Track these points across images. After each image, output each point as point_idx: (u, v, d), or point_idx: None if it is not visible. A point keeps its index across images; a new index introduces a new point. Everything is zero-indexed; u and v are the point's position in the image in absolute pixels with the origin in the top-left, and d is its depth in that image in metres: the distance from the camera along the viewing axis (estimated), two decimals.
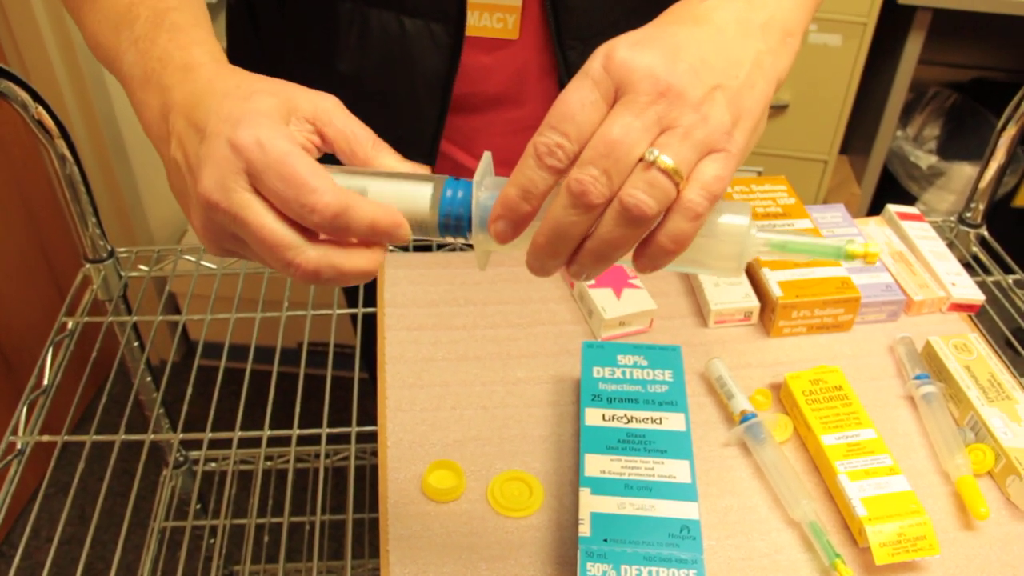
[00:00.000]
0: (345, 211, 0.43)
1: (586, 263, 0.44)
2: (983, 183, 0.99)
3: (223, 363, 0.84)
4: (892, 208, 0.95)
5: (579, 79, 0.43)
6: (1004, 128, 0.95)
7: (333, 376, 0.81)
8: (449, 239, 0.47)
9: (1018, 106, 0.93)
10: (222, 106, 0.45)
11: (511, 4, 0.78)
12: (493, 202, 0.45)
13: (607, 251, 0.43)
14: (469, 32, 0.79)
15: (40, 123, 0.82)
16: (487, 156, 0.48)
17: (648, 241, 0.43)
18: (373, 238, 0.45)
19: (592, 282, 0.79)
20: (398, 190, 0.46)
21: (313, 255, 0.44)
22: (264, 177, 0.43)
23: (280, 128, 0.45)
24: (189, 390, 0.82)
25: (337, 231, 0.44)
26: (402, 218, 0.45)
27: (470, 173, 0.49)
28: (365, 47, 0.80)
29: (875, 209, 2.24)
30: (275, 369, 0.82)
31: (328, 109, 0.47)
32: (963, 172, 2.23)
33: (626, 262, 0.45)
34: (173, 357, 0.90)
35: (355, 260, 0.45)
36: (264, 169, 0.43)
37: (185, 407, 0.82)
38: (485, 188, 0.46)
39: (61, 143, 0.85)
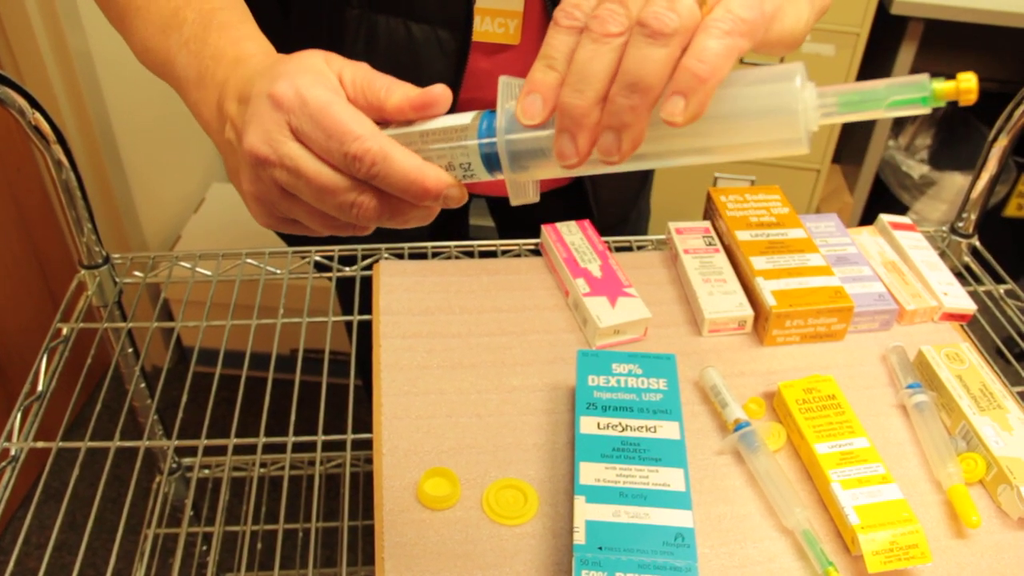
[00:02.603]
0: (385, 158, 0.43)
1: (617, 110, 0.41)
2: (975, 193, 1.00)
3: (218, 369, 0.84)
4: (885, 218, 0.96)
5: None
6: (995, 139, 0.96)
7: (328, 383, 0.81)
8: (499, 175, 0.46)
9: (1009, 117, 0.94)
10: (265, 74, 0.46)
11: (513, 9, 0.79)
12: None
13: (636, 83, 0.40)
14: (474, 37, 0.79)
15: (37, 129, 0.82)
16: (503, 80, 0.47)
17: (678, 70, 0.41)
18: (412, 193, 0.44)
19: (588, 290, 0.79)
20: (439, 133, 0.46)
21: (372, 192, 0.44)
22: (306, 127, 0.43)
23: (320, 78, 0.45)
24: (184, 396, 0.82)
25: (376, 179, 0.43)
26: (443, 175, 0.44)
27: None
28: (372, 53, 0.80)
29: (867, 218, 2.25)
30: (270, 376, 0.82)
31: (352, 67, 0.48)
32: (954, 182, 2.24)
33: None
34: (168, 363, 0.90)
35: None
36: (305, 119, 0.43)
37: (180, 414, 0.82)
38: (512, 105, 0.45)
39: (58, 149, 0.85)
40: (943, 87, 0.39)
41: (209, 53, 0.52)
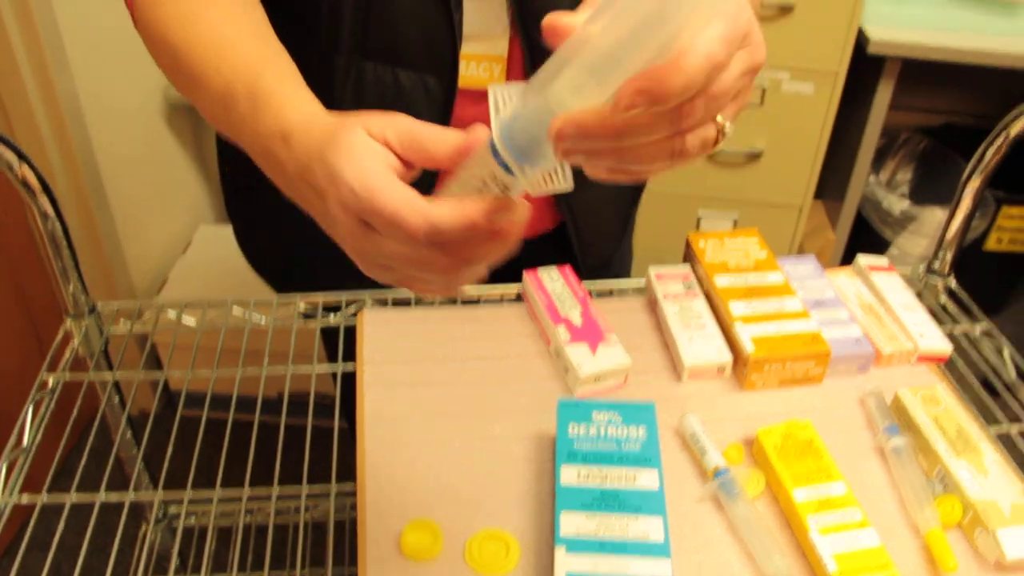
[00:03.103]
0: (432, 224, 0.45)
1: (612, 159, 0.45)
2: (949, 233, 1.01)
3: (205, 414, 0.85)
4: (862, 260, 0.97)
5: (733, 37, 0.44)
6: (968, 179, 0.98)
7: (314, 426, 0.81)
8: (520, 177, 0.48)
9: (981, 158, 0.96)
10: (323, 166, 0.50)
11: (498, 54, 0.81)
12: (520, 114, 0.45)
13: (633, 160, 0.45)
14: (460, 83, 0.81)
15: (24, 182, 0.83)
16: (492, 89, 0.50)
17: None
18: (475, 237, 0.46)
19: (569, 338, 0.81)
20: (473, 160, 0.48)
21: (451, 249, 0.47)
22: (367, 219, 0.47)
23: (367, 165, 0.48)
24: (171, 441, 0.83)
25: (435, 243, 0.46)
26: (481, 206, 0.46)
27: None
28: (360, 99, 0.82)
29: (850, 254, 2.27)
30: (256, 420, 0.83)
31: (392, 125, 0.51)
32: (935, 217, 2.27)
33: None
34: (155, 408, 0.91)
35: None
36: (364, 212, 0.47)
37: (166, 464, 0.82)
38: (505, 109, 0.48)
39: (44, 200, 0.86)
40: None
41: (262, 131, 0.57)
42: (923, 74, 2.01)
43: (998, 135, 0.92)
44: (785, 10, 1.88)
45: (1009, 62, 1.93)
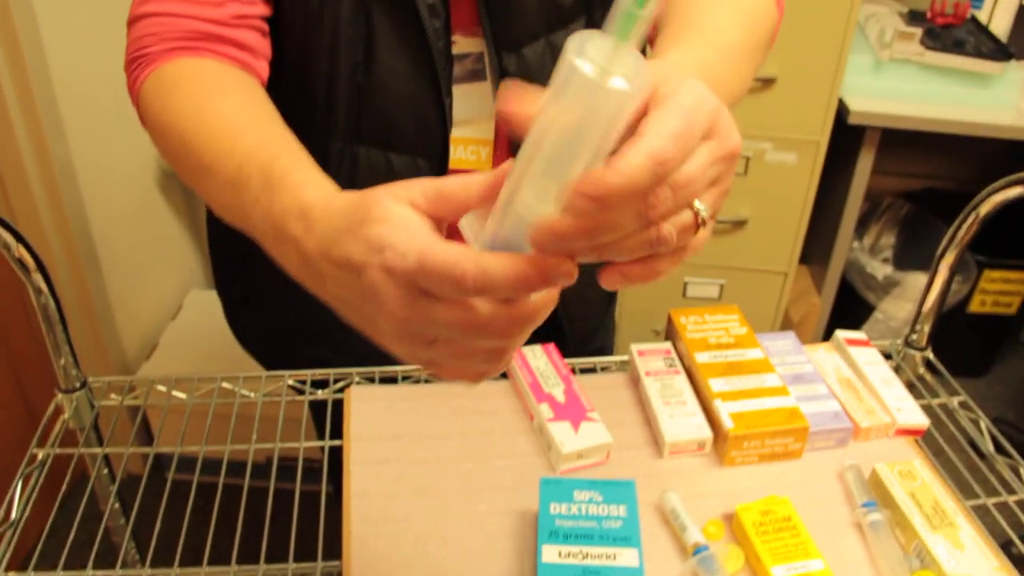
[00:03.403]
0: (483, 271, 0.44)
1: (595, 255, 0.47)
2: (926, 307, 1.04)
3: (195, 478, 0.86)
4: (840, 335, 1.00)
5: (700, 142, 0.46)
6: (942, 255, 1.01)
7: (302, 491, 0.83)
8: None
9: (954, 235, 0.99)
10: (356, 240, 0.48)
11: (485, 137, 0.84)
12: (498, 233, 0.47)
13: (616, 252, 0.47)
14: (450, 165, 0.84)
15: (20, 261, 0.85)
16: (463, 223, 0.50)
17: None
18: (525, 286, 0.46)
19: (552, 416, 0.82)
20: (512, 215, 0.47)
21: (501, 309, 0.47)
22: (419, 281, 0.46)
23: (409, 228, 0.47)
24: (161, 511, 0.84)
25: (487, 292, 0.45)
26: (526, 260, 0.45)
27: None
28: (354, 182, 0.84)
29: (836, 318, 2.29)
30: (246, 485, 0.84)
31: (417, 189, 0.49)
32: (918, 282, 2.30)
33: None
34: (146, 472, 0.92)
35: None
36: (415, 276, 0.46)
37: (155, 536, 0.83)
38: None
39: (38, 277, 0.88)
40: None
41: (277, 210, 0.55)
42: (904, 141, 2.06)
43: (969, 214, 0.95)
44: (767, 82, 1.93)
45: (986, 132, 1.98)
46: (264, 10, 0.77)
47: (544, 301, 0.48)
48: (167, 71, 0.71)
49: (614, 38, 0.40)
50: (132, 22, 0.74)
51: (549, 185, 0.44)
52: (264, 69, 0.77)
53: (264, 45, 0.77)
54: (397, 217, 0.47)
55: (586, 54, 0.41)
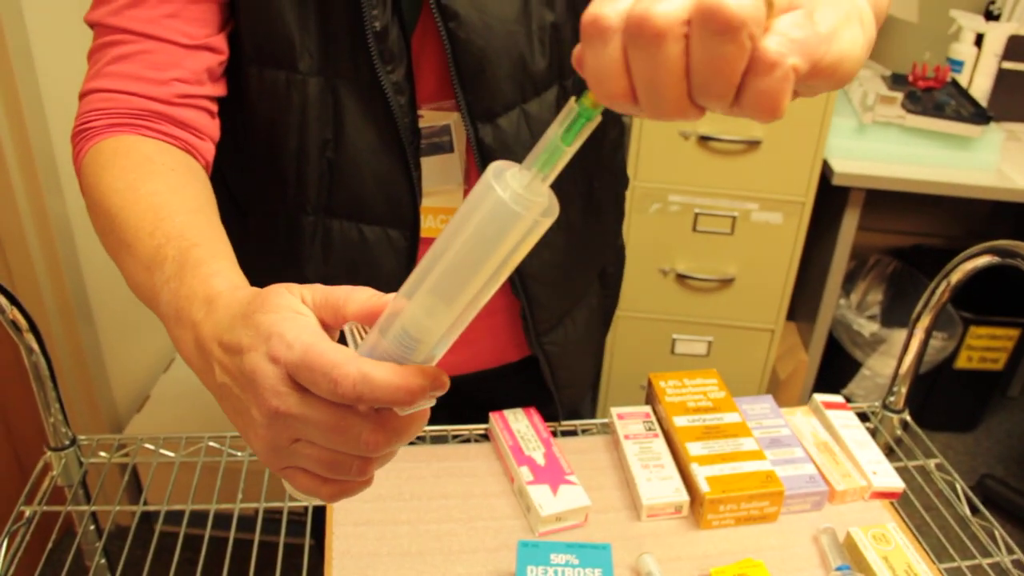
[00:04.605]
0: (364, 377, 0.45)
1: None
2: (902, 370, 1.05)
3: (183, 530, 0.87)
4: (818, 398, 1.01)
5: None
6: (918, 319, 1.03)
7: (286, 543, 0.84)
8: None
9: (928, 301, 1.01)
10: (248, 326, 0.49)
11: (455, 207, 0.87)
12: (379, 345, 0.47)
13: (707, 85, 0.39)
14: (422, 234, 0.86)
15: (13, 323, 0.87)
16: (347, 328, 0.51)
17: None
18: (401, 400, 0.45)
19: (532, 478, 0.84)
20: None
21: (374, 421, 0.47)
22: (302, 374, 0.46)
23: (298, 319, 0.48)
24: (147, 565, 0.85)
25: (364, 399, 0.45)
26: (422, 372, 0.45)
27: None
28: (328, 254, 0.86)
29: (823, 374, 2.31)
30: (231, 536, 0.85)
31: (309, 289, 0.51)
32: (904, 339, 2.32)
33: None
34: (134, 524, 0.93)
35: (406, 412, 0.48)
36: (296, 369, 0.46)
37: None
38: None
39: (30, 336, 0.89)
40: (588, 98, 0.40)
41: (184, 293, 0.56)
42: (890, 199, 2.09)
43: (940, 281, 0.97)
44: (752, 145, 1.97)
45: (967, 192, 2.01)
46: (213, 90, 0.78)
47: (418, 416, 0.48)
48: (106, 146, 0.72)
49: (535, 169, 0.41)
50: (82, 96, 0.76)
51: (437, 304, 0.45)
52: (208, 150, 0.78)
53: (211, 125, 0.78)
54: (289, 309, 0.49)
55: (504, 179, 0.41)
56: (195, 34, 0.75)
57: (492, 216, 0.41)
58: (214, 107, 0.79)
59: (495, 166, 0.42)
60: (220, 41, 0.78)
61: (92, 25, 0.77)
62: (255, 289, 0.53)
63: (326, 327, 0.50)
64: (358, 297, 0.50)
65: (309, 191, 0.84)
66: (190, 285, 0.56)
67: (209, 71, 0.77)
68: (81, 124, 0.74)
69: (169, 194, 0.66)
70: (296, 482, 0.51)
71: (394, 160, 0.83)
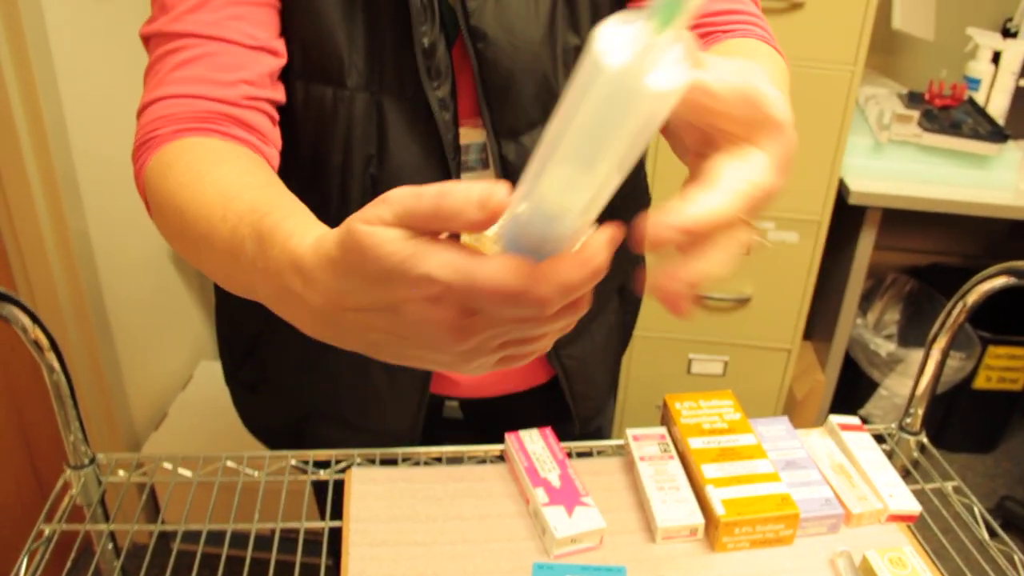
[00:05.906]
0: (560, 285, 0.41)
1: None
2: (919, 392, 1.05)
3: (200, 549, 0.88)
4: (834, 419, 1.01)
5: None
6: (934, 340, 1.03)
7: (302, 563, 0.84)
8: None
9: (944, 322, 1.01)
10: (367, 280, 0.44)
11: None
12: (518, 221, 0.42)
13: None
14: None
15: (36, 342, 0.89)
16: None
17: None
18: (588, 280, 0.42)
19: (547, 500, 0.84)
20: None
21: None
22: (476, 300, 0.42)
23: (438, 253, 0.43)
24: None
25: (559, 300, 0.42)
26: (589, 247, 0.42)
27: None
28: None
29: (840, 394, 2.30)
30: (248, 557, 0.86)
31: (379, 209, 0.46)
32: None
33: None
34: (152, 543, 0.94)
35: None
36: (472, 296, 0.42)
37: None
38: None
39: (51, 355, 0.91)
40: None
41: (274, 269, 0.51)
42: (908, 217, 2.09)
43: (957, 303, 0.97)
44: None
45: (984, 211, 2.00)
46: (276, 95, 0.77)
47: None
48: (171, 149, 0.68)
49: (653, 26, 0.35)
50: (142, 109, 0.72)
51: (575, 175, 0.39)
52: (273, 156, 0.75)
53: (273, 132, 0.77)
54: (397, 241, 0.44)
55: (617, 48, 0.35)
56: (258, 36, 0.74)
57: (619, 100, 0.36)
58: (275, 114, 0.78)
59: (607, 31, 0.36)
60: (281, 45, 0.78)
61: (148, 38, 0.74)
62: (335, 236, 0.46)
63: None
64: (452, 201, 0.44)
65: (352, 207, 0.84)
66: (276, 259, 0.51)
67: (271, 75, 0.77)
68: (144, 135, 0.71)
69: (236, 177, 0.62)
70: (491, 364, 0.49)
71: (437, 176, 0.84)
